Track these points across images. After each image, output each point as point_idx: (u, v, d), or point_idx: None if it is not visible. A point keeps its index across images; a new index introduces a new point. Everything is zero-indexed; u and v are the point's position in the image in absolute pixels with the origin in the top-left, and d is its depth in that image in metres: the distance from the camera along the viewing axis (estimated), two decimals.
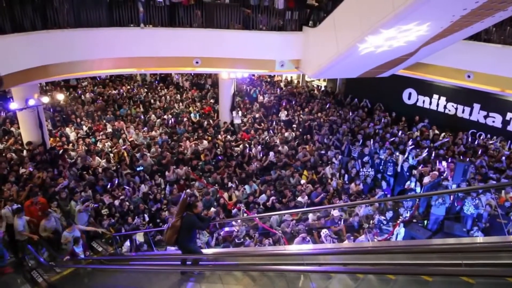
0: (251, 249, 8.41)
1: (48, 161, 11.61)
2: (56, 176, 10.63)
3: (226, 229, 9.80)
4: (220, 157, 13.13)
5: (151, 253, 9.25)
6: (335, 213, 9.82)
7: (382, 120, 15.47)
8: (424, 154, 12.28)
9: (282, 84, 22.06)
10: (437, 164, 11.73)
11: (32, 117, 11.86)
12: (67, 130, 14.25)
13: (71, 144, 13.32)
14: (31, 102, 11.30)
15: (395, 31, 8.48)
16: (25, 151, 11.97)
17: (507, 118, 13.22)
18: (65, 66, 10.37)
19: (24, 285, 8.30)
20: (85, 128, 14.81)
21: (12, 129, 13.66)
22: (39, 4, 9.69)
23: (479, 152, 12.42)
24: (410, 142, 13.24)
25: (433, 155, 12.37)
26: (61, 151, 12.30)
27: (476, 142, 13.48)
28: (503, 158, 11.79)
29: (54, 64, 10.12)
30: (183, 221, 6.18)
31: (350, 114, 16.37)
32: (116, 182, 11.14)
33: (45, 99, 12.24)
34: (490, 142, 13.27)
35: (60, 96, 15.26)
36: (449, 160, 11.80)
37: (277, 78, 22.91)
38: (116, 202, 10.25)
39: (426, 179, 10.84)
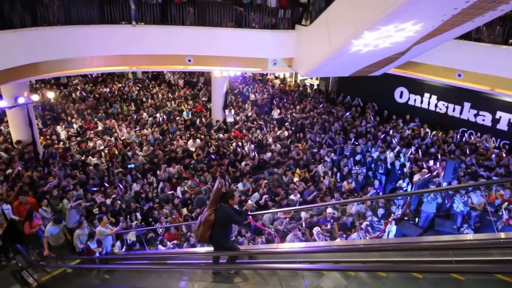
0: (244, 247, 8.40)
1: (40, 160, 11.48)
2: (46, 176, 10.51)
3: None
4: (212, 156, 13.08)
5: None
6: (329, 211, 9.86)
7: (372, 119, 15.56)
8: (413, 152, 12.39)
9: (276, 82, 22.02)
10: (429, 162, 11.83)
11: (22, 115, 11.70)
12: (58, 128, 14.10)
13: (61, 143, 13.17)
14: (21, 100, 11.13)
15: (387, 30, 8.52)
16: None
17: (497, 116, 13.40)
18: (55, 63, 10.24)
19: (14, 285, 8.20)
20: (75, 126, 14.66)
21: (1, 127, 13.46)
22: (28, 1, 9.53)
23: (469, 151, 12.55)
24: (396, 140, 13.38)
25: (422, 153, 12.48)
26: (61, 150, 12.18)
27: (465, 140, 13.63)
28: (493, 156, 11.94)
29: (44, 62, 10.00)
30: (217, 214, 5.42)
31: (344, 112, 16.43)
32: (107, 180, 11.06)
33: (35, 97, 12.07)
34: (479, 140, 13.42)
35: (51, 94, 15.07)
36: (440, 158, 11.91)
37: (269, 76, 22.89)
38: (108, 201, 10.16)
39: (416, 178, 10.94)
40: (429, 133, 14.03)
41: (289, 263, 5.29)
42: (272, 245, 7.90)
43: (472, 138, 13.83)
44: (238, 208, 6.25)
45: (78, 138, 13.54)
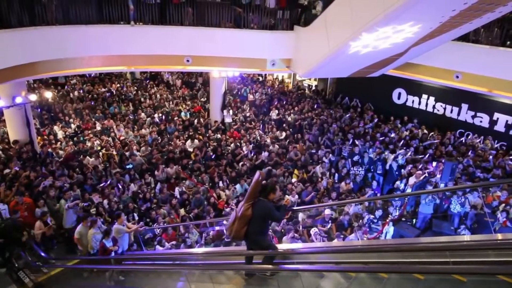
0: (242, 248, 8.38)
1: (38, 160, 11.45)
2: (42, 175, 10.46)
3: (217, 228, 9.78)
4: (209, 157, 13.05)
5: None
6: (327, 212, 9.86)
7: (370, 120, 15.59)
8: (412, 154, 12.42)
9: (274, 82, 22.04)
10: (427, 163, 11.86)
11: (19, 115, 11.66)
12: (55, 128, 14.06)
13: (59, 143, 13.13)
14: (18, 100, 11.10)
15: (386, 31, 8.55)
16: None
17: (494, 118, 13.43)
18: (53, 63, 10.23)
19: (10, 285, 8.16)
20: (73, 126, 14.62)
21: None
22: (26, 0, 9.50)
23: (467, 152, 12.58)
24: (394, 141, 13.41)
25: (422, 154, 12.51)
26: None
27: (463, 141, 13.66)
28: (490, 157, 11.97)
29: (42, 61, 9.98)
30: (255, 209, 4.93)
31: (342, 113, 16.45)
32: (106, 181, 11.02)
33: (33, 97, 12.04)
34: (476, 140, 13.46)
35: (48, 94, 15.03)
36: (438, 160, 11.94)
37: (268, 77, 22.90)
38: (105, 202, 10.13)
39: (411, 180, 10.96)
40: (429, 135, 14.04)
41: (288, 264, 5.27)
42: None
43: (469, 139, 13.86)
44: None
45: (75, 139, 13.49)
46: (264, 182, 5.13)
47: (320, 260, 5.38)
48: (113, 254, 7.84)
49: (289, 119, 16.14)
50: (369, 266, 4.62)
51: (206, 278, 6.05)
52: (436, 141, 13.45)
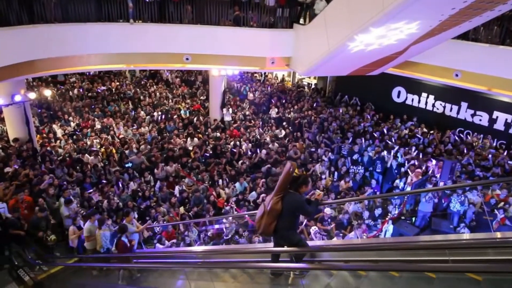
0: (241, 246, 8.40)
1: (37, 158, 11.44)
2: (41, 174, 10.45)
3: (216, 226, 9.79)
4: (207, 155, 13.03)
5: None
6: (327, 211, 9.86)
7: (369, 118, 15.59)
8: (414, 153, 12.41)
9: (274, 81, 22.03)
10: (426, 162, 11.87)
11: (19, 113, 11.65)
12: (54, 126, 14.04)
13: (58, 141, 13.12)
14: (17, 98, 11.09)
15: (385, 30, 8.54)
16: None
17: (494, 116, 13.44)
18: (52, 61, 10.21)
19: (10, 283, 8.16)
20: (73, 124, 14.61)
21: None
22: None
23: (465, 150, 12.59)
24: (394, 139, 13.43)
25: (421, 154, 12.52)
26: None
27: (463, 140, 13.67)
28: (490, 156, 11.98)
29: (41, 59, 9.95)
30: (285, 203, 4.54)
31: (340, 111, 16.46)
32: (104, 178, 11.03)
33: (32, 95, 12.03)
34: (475, 139, 13.47)
35: (48, 92, 15.01)
36: (437, 158, 11.96)
37: (268, 75, 22.90)
38: (105, 201, 10.12)
39: (410, 179, 10.97)
40: (428, 134, 14.05)
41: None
42: (269, 244, 7.84)
43: (469, 138, 13.86)
44: None
45: (75, 137, 13.48)
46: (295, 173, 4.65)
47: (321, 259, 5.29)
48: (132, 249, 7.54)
49: (290, 117, 16.14)
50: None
51: (205, 276, 6.03)
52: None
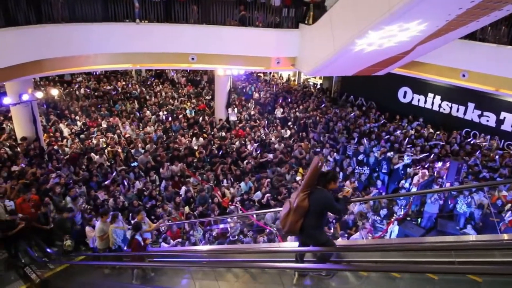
0: (245, 246, 8.39)
1: (44, 157, 11.53)
2: (47, 172, 10.53)
3: (221, 226, 9.80)
4: (213, 154, 13.06)
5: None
6: None
7: (375, 118, 15.52)
8: (421, 155, 12.33)
9: (279, 81, 22.00)
10: (432, 163, 11.79)
11: (26, 112, 11.76)
12: (61, 125, 14.15)
13: (65, 140, 13.22)
14: (25, 97, 11.20)
15: (391, 30, 8.49)
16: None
17: (501, 117, 13.32)
18: (59, 61, 10.29)
19: (17, 281, 8.25)
20: (79, 123, 14.71)
21: (4, 125, 13.52)
22: None
23: (473, 151, 12.48)
24: (400, 140, 13.34)
25: (428, 153, 12.44)
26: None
27: (469, 141, 13.55)
28: (497, 157, 11.87)
29: (49, 59, 10.04)
30: (313, 200, 4.29)
31: (347, 111, 16.40)
32: (111, 178, 11.08)
33: (39, 94, 12.13)
34: (480, 141, 13.34)
35: (54, 92, 15.13)
36: (444, 159, 11.87)
37: (274, 75, 22.89)
38: (110, 199, 10.18)
39: (415, 179, 10.89)
40: (435, 134, 13.94)
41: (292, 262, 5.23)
42: (274, 244, 7.84)
43: (476, 139, 13.75)
44: None
45: (82, 136, 13.58)
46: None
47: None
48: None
49: (296, 116, 16.11)
50: (371, 265, 4.53)
51: (207, 275, 6.00)
52: (441, 143, 13.32)
